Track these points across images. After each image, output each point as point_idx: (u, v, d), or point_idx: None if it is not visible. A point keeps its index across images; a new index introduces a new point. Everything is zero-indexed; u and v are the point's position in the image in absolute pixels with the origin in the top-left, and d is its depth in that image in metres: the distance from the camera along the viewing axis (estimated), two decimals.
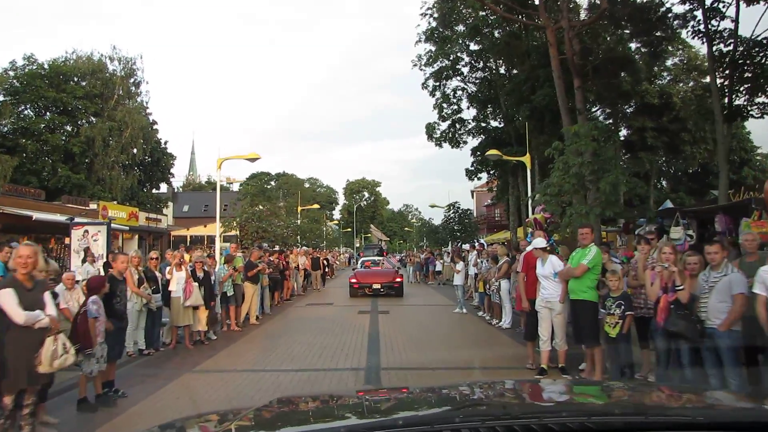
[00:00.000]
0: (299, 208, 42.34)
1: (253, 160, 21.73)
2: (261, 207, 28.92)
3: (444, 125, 35.83)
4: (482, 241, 40.03)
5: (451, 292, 26.92)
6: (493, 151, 22.31)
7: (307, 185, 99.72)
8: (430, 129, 35.90)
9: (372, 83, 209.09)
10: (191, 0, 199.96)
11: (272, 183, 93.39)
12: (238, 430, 2.42)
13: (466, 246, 39.08)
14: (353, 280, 25.37)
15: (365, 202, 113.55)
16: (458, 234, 37.67)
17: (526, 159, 21.73)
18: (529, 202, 21.14)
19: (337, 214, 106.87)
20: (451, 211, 39.13)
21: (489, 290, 16.52)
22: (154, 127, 49.51)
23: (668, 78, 38.23)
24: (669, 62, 36.12)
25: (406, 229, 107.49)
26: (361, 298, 24.04)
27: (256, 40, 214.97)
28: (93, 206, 32.39)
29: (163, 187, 56.83)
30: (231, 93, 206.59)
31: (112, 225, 31.66)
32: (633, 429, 1.94)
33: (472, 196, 73.89)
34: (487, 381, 3.40)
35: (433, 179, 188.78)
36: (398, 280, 25.13)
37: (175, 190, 68.51)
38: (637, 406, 2.42)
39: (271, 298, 20.74)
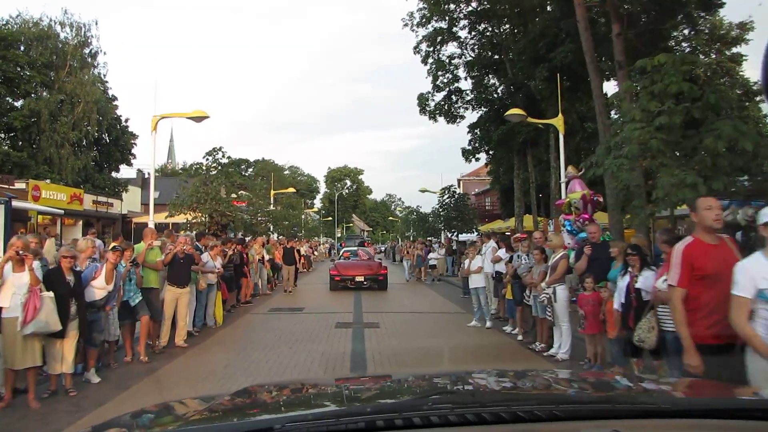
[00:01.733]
0: (272, 192, 36.44)
1: (199, 119, 16.06)
2: (216, 185, 22.79)
3: (439, 96, 30.17)
4: (477, 231, 34.49)
5: (450, 292, 21.44)
6: (515, 111, 16.75)
7: (287, 173, 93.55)
8: (422, 100, 30.19)
9: (353, 74, 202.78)
10: None
11: (250, 171, 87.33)
12: (206, 418, 2.25)
13: (467, 236, 33.62)
14: (334, 273, 22.67)
15: (347, 191, 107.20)
16: (455, 223, 31.66)
17: (559, 121, 16.23)
18: (562, 176, 15.63)
19: (318, 203, 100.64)
20: (446, 196, 33.25)
21: (528, 298, 10.99)
22: (115, 103, 43.37)
23: (687, 49, 32.76)
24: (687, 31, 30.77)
25: (390, 219, 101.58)
26: (342, 301, 18.54)
27: (235, 29, 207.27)
28: (21, 185, 26.35)
29: (131, 172, 50.83)
30: (211, 82, 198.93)
31: (38, 207, 26.00)
32: (601, 416, 1.88)
33: (459, 185, 68.47)
34: (460, 370, 3.32)
35: (415, 170, 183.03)
36: (382, 272, 22.79)
37: (145, 176, 62.38)
38: (605, 394, 2.41)
39: (224, 302, 15.19)
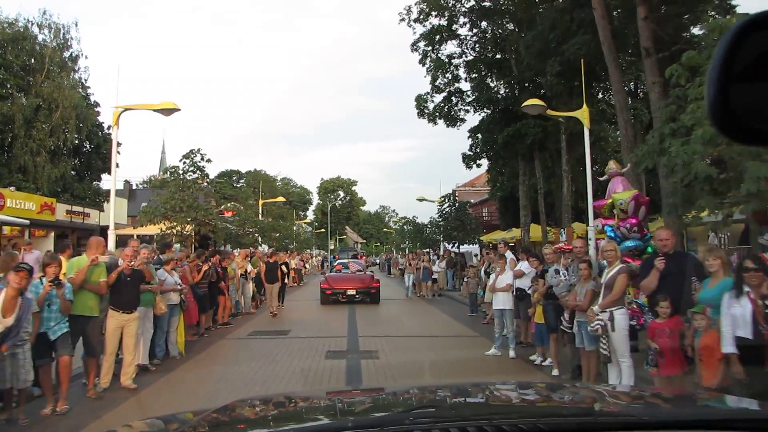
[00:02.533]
0: (260, 202, 33.78)
1: (168, 112, 13.64)
2: (194, 191, 20.07)
3: (438, 98, 27.84)
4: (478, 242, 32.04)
5: (456, 310, 19.04)
6: (533, 101, 14.37)
7: (279, 185, 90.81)
8: (420, 102, 27.90)
9: (347, 86, 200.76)
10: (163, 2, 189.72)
11: (242, 182, 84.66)
12: (202, 428, 2.29)
13: (467, 248, 31.17)
14: (325, 286, 21.68)
15: (340, 202, 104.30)
16: (456, 233, 29.02)
17: (583, 114, 13.88)
18: (588, 177, 13.29)
19: (310, 214, 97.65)
20: (446, 204, 30.74)
21: (566, 324, 8.60)
22: (97, 109, 40.90)
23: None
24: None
25: (384, 230, 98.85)
26: (334, 322, 16.12)
27: (227, 41, 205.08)
28: None
29: (118, 183, 48.11)
30: (203, 95, 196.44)
31: (1, 217, 23.46)
32: (583, 429, 1.85)
33: (454, 196, 65.93)
34: (443, 384, 3.36)
35: (410, 182, 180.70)
36: (375, 285, 21.97)
37: (133, 187, 59.91)
38: (586, 407, 2.32)
39: (196, 325, 12.84)
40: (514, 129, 23.50)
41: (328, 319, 16.92)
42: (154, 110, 13.56)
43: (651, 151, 9.09)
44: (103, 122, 41.36)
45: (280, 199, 40.26)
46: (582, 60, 15.39)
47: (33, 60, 36.94)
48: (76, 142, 37.83)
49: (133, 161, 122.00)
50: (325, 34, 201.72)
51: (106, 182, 45.17)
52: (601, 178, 11.97)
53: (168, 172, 19.80)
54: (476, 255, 26.19)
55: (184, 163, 19.91)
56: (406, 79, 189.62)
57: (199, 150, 20.02)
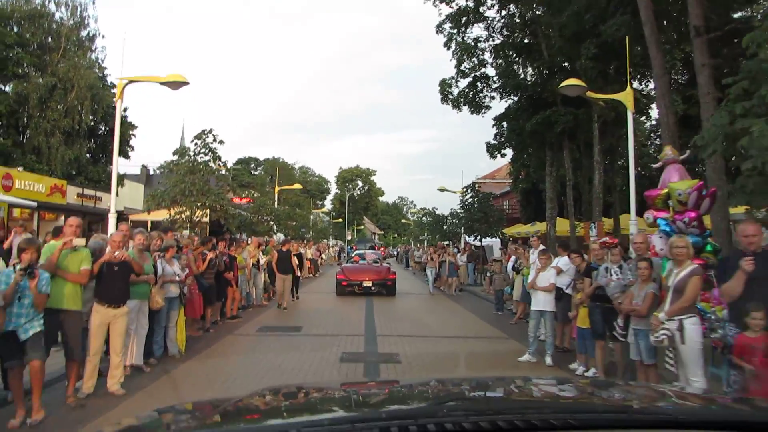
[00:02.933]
0: (277, 189, 32.59)
1: (176, 85, 12.58)
2: (206, 174, 18.74)
3: (463, 83, 26.46)
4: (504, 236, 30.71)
5: (479, 306, 17.89)
6: (573, 81, 13.10)
7: (297, 174, 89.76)
8: (445, 87, 26.51)
9: (365, 77, 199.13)
10: None
11: (260, 170, 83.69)
12: (225, 417, 2.24)
13: (489, 241, 29.84)
14: (341, 277, 21.52)
15: (359, 192, 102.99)
16: (478, 225, 27.58)
17: (627, 96, 12.57)
18: (631, 167, 12.01)
19: (328, 203, 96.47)
20: (469, 196, 29.48)
21: (620, 331, 7.39)
22: (113, 91, 40.12)
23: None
24: None
25: (403, 221, 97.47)
26: (350, 318, 15.05)
27: (250, 31, 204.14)
28: None
29: (135, 168, 47.54)
30: (222, 84, 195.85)
31: (7, 198, 22.52)
32: (616, 426, 1.78)
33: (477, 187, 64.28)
34: (474, 377, 3.21)
35: (428, 173, 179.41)
36: (391, 277, 21.76)
37: (150, 172, 59.24)
38: (620, 404, 2.25)
39: (201, 319, 11.84)
40: (543, 116, 22.13)
41: (344, 314, 15.81)
42: (161, 83, 12.51)
43: (718, 134, 7.83)
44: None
45: (297, 186, 38.93)
46: (626, 38, 14.08)
47: (50, 39, 36.16)
48: (92, 123, 37.03)
49: (153, 147, 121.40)
50: (345, 24, 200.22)
51: (123, 166, 44.55)
52: (654, 166, 10.71)
53: (178, 154, 18.64)
54: (501, 248, 24.81)
55: (196, 144, 18.74)
56: (425, 70, 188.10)
57: (211, 131, 18.86)
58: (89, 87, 35.31)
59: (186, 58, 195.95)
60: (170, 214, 18.39)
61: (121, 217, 37.05)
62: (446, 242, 34.72)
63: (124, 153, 41.28)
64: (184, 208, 17.98)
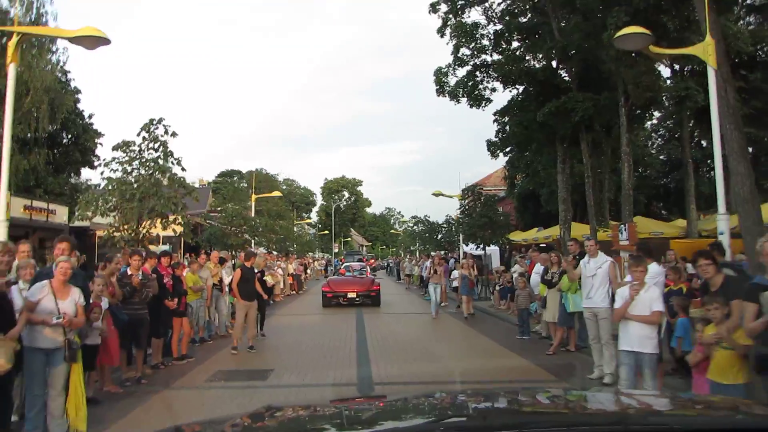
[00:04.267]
0: (253, 197, 28.66)
1: (90, 42, 8.92)
2: (156, 172, 14.56)
3: (461, 71, 22.96)
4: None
5: (497, 329, 14.40)
6: (633, 29, 9.63)
7: (284, 187, 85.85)
8: (440, 77, 23.00)
9: (351, 88, 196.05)
10: (171, 5, 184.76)
11: (243, 183, 79.65)
12: None
13: (493, 248, 26.24)
14: (326, 289, 21.78)
15: (345, 203, 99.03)
16: (482, 232, 23.73)
17: (708, 47, 9.15)
18: (717, 141, 8.58)
19: (314, 215, 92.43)
20: (469, 199, 25.80)
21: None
22: (77, 96, 36.55)
23: None
24: None
25: (392, 232, 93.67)
26: (337, 352, 11.37)
27: (233, 44, 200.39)
28: None
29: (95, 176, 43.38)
30: (207, 98, 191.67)
31: None
32: None
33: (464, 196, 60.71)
34: (469, 390, 2.95)
35: (414, 185, 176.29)
36: (375, 288, 21.98)
37: None
38: (618, 414, 2.20)
39: (128, 366, 8.17)
40: (557, 104, 18.74)
41: (330, 347, 12.04)
42: (68, 38, 8.89)
43: None
44: (83, 110, 36.98)
45: (276, 193, 34.95)
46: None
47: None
48: (51, 130, 33.26)
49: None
50: (330, 36, 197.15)
51: (86, 176, 40.67)
52: None
53: (119, 149, 14.62)
54: (522, 256, 21.03)
55: (143, 138, 14.73)
56: (410, 82, 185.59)
57: (161, 120, 14.91)
58: (46, 90, 31.48)
59: (169, 72, 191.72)
60: (114, 225, 14.34)
61: (88, 232, 33.18)
62: (442, 252, 31.27)
63: (89, 163, 37.55)
64: (125, 218, 13.87)
